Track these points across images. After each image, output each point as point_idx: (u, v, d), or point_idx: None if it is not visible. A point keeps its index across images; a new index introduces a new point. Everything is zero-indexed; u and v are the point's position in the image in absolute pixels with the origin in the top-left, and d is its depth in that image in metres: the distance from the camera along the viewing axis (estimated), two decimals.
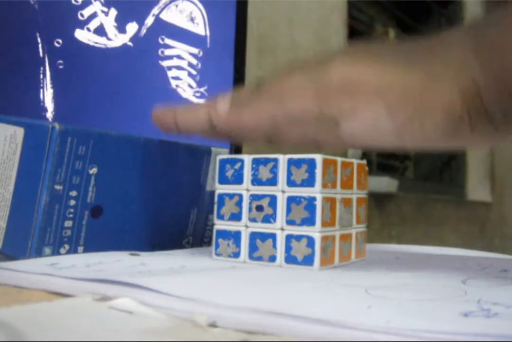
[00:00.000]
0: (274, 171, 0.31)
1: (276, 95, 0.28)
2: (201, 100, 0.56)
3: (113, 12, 0.48)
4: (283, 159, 0.31)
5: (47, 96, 0.44)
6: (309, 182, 0.30)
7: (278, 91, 0.28)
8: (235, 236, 0.32)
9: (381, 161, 1.90)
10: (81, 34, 0.46)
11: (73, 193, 0.32)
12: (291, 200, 0.31)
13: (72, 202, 0.32)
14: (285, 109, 0.28)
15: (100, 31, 0.47)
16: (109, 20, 0.48)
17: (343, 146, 0.33)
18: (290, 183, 0.31)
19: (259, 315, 0.19)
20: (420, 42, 0.29)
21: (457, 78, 0.26)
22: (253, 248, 0.32)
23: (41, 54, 0.44)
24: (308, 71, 0.28)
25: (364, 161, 0.35)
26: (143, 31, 0.51)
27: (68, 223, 0.32)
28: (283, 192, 0.31)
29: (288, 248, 0.31)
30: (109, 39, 0.48)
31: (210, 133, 0.31)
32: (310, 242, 0.30)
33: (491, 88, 0.26)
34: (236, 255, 0.32)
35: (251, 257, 0.32)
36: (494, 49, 0.26)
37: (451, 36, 0.28)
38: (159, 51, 0.52)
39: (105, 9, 0.48)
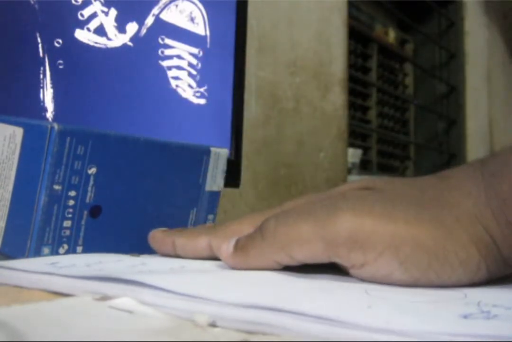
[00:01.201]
0: None
1: (281, 243, 0.27)
2: (201, 100, 0.56)
3: (113, 12, 0.48)
4: None
5: (47, 96, 0.44)
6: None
7: (283, 238, 0.27)
8: None
9: (381, 161, 1.90)
10: (81, 34, 0.46)
11: (72, 193, 0.32)
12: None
13: (71, 202, 0.32)
14: (291, 257, 0.28)
15: (100, 31, 0.47)
16: (109, 20, 0.48)
17: None
18: None
19: (259, 314, 0.19)
20: (430, 188, 0.28)
21: (471, 230, 0.26)
22: None
23: (41, 54, 0.43)
24: (314, 221, 0.27)
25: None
26: (143, 31, 0.51)
27: (67, 223, 0.32)
28: None
29: None
30: (109, 39, 0.48)
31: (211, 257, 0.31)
32: None
33: (507, 236, 0.26)
34: None
35: None
36: (506, 199, 0.26)
37: (461, 182, 0.28)
38: (159, 51, 0.52)
39: (105, 9, 0.48)
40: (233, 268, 0.29)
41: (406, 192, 0.28)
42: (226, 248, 0.29)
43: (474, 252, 0.26)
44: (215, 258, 0.30)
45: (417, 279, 0.26)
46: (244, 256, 0.28)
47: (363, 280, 0.27)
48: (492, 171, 0.27)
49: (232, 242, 0.29)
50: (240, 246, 0.29)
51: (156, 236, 0.33)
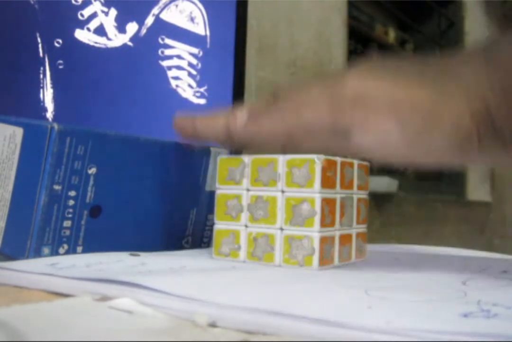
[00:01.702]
0: (274, 171, 0.31)
1: (292, 107, 0.29)
2: (201, 100, 0.56)
3: (113, 12, 0.48)
4: (283, 159, 0.31)
5: (47, 96, 0.44)
6: (309, 182, 0.30)
7: (294, 103, 0.29)
8: (235, 236, 0.32)
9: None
10: (81, 34, 0.46)
11: (72, 193, 0.32)
12: (290, 200, 0.31)
13: (71, 202, 0.32)
14: (301, 120, 0.29)
15: (100, 31, 0.47)
16: (109, 20, 0.48)
17: (355, 157, 0.34)
18: (290, 183, 0.31)
19: (259, 315, 0.19)
20: (434, 60, 0.30)
21: (468, 96, 0.27)
22: (252, 248, 0.32)
23: (41, 54, 0.43)
24: (324, 85, 0.29)
25: (366, 163, 0.35)
26: (143, 31, 0.51)
27: (67, 223, 0.32)
28: (282, 192, 0.31)
29: (287, 248, 0.31)
30: (109, 39, 0.48)
31: (227, 142, 0.33)
32: (310, 242, 0.30)
33: (501, 107, 0.27)
34: (236, 255, 0.32)
35: (250, 257, 0.32)
36: (506, 69, 0.27)
37: (463, 55, 0.30)
38: (159, 51, 0.52)
39: (105, 9, 0.48)
40: (245, 136, 0.30)
41: (411, 64, 0.30)
42: (240, 114, 0.31)
43: (468, 117, 0.27)
44: (233, 143, 0.32)
45: (412, 140, 0.27)
46: (256, 122, 0.30)
47: (362, 150, 0.28)
48: (492, 47, 0.29)
49: (246, 109, 0.31)
50: (253, 112, 0.30)
51: (178, 119, 0.34)
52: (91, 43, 0.47)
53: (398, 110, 0.27)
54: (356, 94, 0.28)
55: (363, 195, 0.35)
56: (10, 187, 0.31)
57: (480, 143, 0.27)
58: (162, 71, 0.53)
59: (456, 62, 0.29)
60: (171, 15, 0.53)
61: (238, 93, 0.59)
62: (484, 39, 0.30)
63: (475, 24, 2.22)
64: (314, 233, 0.30)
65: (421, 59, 0.30)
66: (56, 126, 0.31)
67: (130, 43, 0.50)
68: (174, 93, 0.53)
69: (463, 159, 0.29)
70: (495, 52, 0.28)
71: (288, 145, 0.31)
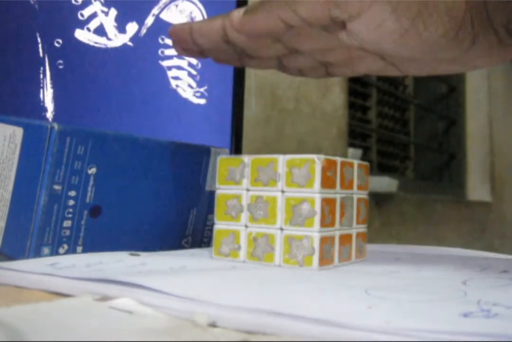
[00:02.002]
0: (274, 171, 0.31)
1: (287, 1, 0.29)
2: (201, 100, 0.56)
3: (113, 12, 0.48)
4: (283, 159, 0.31)
5: (47, 96, 0.44)
6: (308, 182, 0.30)
7: None
8: (235, 236, 0.32)
9: (381, 161, 1.90)
10: (81, 34, 0.46)
11: (72, 193, 0.32)
12: (290, 200, 0.31)
13: (71, 202, 0.32)
14: (296, 12, 0.29)
15: (100, 31, 0.47)
16: (109, 20, 0.48)
17: (349, 70, 0.33)
18: (290, 183, 0.31)
19: (259, 315, 0.19)
20: None
21: None
22: (252, 248, 0.32)
23: (41, 54, 0.43)
24: None
25: (366, 163, 0.35)
26: (143, 31, 0.51)
27: (67, 223, 0.32)
28: (282, 192, 0.31)
29: (287, 248, 0.31)
30: (109, 39, 0.48)
31: (224, 47, 0.32)
32: (310, 242, 0.30)
33: None
34: (236, 255, 0.32)
35: (250, 257, 0.32)
36: None
37: None
38: (159, 51, 0.52)
39: (105, 9, 0.48)
40: (240, 30, 0.30)
41: None
42: (237, 12, 0.30)
43: (462, 3, 0.27)
44: (229, 49, 0.31)
45: (406, 28, 0.27)
46: (251, 16, 0.30)
47: (357, 39, 0.28)
48: None
49: (243, 8, 0.30)
50: (250, 9, 0.30)
51: (175, 26, 0.34)
52: (91, 43, 0.47)
53: None
54: None
55: (363, 195, 0.35)
56: (10, 187, 0.32)
57: (473, 33, 0.27)
58: (162, 71, 0.53)
59: None
60: (171, 15, 0.53)
61: (238, 93, 0.59)
62: None
63: None
64: (314, 233, 0.30)
65: None
66: (56, 126, 0.31)
67: (130, 43, 0.50)
68: (174, 93, 0.53)
69: (457, 53, 0.28)
70: None
71: (284, 58, 0.31)
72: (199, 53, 0.34)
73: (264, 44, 0.32)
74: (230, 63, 0.37)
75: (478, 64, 0.30)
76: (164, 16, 0.53)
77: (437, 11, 0.27)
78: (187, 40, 0.33)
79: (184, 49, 0.34)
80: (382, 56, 0.32)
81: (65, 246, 0.32)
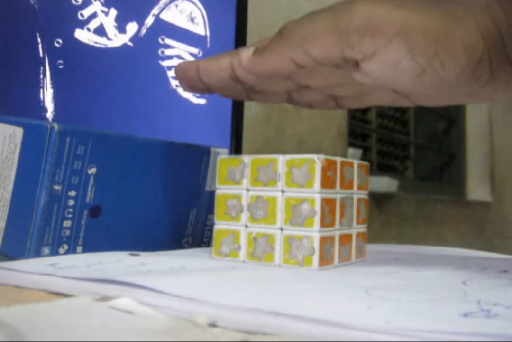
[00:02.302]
0: (274, 171, 0.31)
1: (298, 41, 0.28)
2: (201, 100, 0.56)
3: (113, 12, 0.48)
4: (283, 159, 0.31)
5: (47, 96, 0.44)
6: (308, 182, 0.30)
7: (299, 35, 0.28)
8: (235, 236, 0.32)
9: (381, 161, 1.90)
10: (81, 34, 0.46)
11: (72, 193, 0.32)
12: (290, 200, 0.31)
13: (71, 202, 0.32)
14: (307, 53, 0.28)
15: (100, 31, 0.47)
16: (109, 20, 0.48)
17: (359, 102, 0.33)
18: (290, 183, 0.31)
19: (259, 315, 0.19)
20: None
21: (478, 19, 0.26)
22: (252, 248, 0.32)
23: (41, 54, 0.43)
24: (329, 13, 0.28)
25: (366, 163, 0.35)
26: (143, 31, 0.51)
27: (67, 223, 0.32)
28: (282, 192, 0.31)
29: (287, 248, 0.31)
30: (109, 39, 0.48)
31: (231, 85, 0.31)
32: (310, 242, 0.30)
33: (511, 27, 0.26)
34: (236, 255, 0.32)
35: (250, 257, 0.32)
36: None
37: None
38: (159, 51, 0.52)
39: (105, 9, 0.48)
40: (250, 71, 0.29)
41: None
42: (246, 52, 0.29)
43: (479, 39, 0.26)
44: (237, 86, 0.30)
45: (423, 68, 0.26)
46: (261, 56, 0.29)
47: (371, 79, 0.27)
48: None
49: (252, 47, 0.29)
50: (259, 49, 0.29)
51: (181, 64, 0.33)
52: (91, 43, 0.47)
53: (409, 36, 0.26)
54: (365, 22, 0.26)
55: (363, 195, 0.35)
56: (10, 187, 0.32)
57: (491, 70, 0.27)
58: (162, 71, 0.53)
59: None
60: (171, 15, 0.53)
61: None
62: None
63: None
64: (314, 233, 0.30)
65: None
66: (56, 126, 0.31)
67: (130, 43, 0.50)
68: (174, 93, 0.53)
69: (474, 89, 0.28)
70: None
71: (293, 92, 0.30)
72: (206, 90, 0.33)
73: (273, 82, 0.32)
74: (237, 98, 0.36)
75: (495, 97, 0.30)
76: (164, 16, 0.53)
77: (454, 50, 0.26)
78: (193, 79, 0.32)
79: (190, 86, 0.33)
80: (397, 91, 0.31)
81: (65, 246, 0.32)
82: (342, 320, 0.18)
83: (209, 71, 0.31)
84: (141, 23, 0.51)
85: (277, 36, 0.29)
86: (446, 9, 0.27)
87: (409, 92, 0.31)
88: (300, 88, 0.33)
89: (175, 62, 0.54)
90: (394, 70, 0.27)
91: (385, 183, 1.63)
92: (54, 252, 0.31)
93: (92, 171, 0.32)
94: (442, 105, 0.32)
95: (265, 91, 0.33)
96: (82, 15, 0.46)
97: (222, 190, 0.33)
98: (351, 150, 1.52)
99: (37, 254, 0.30)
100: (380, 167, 1.88)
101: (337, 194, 0.32)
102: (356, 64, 0.28)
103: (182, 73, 0.33)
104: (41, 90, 0.43)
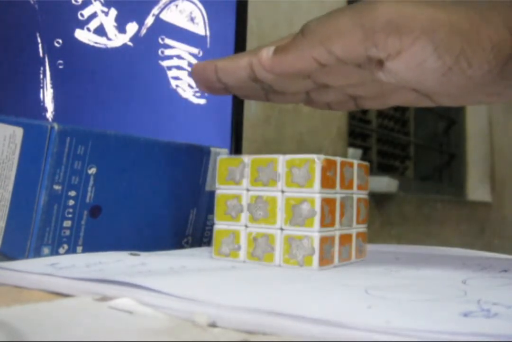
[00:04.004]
0: (274, 171, 0.31)
1: (321, 39, 0.27)
2: (201, 100, 0.56)
3: (113, 12, 0.48)
4: (283, 159, 0.31)
5: (47, 96, 0.44)
6: (308, 182, 0.30)
7: (322, 33, 0.27)
8: (235, 236, 0.32)
9: (381, 161, 1.90)
10: (81, 34, 0.46)
11: (72, 193, 0.32)
12: (290, 200, 0.31)
13: (71, 202, 0.32)
14: (331, 51, 0.27)
15: (100, 31, 0.47)
16: (109, 20, 0.48)
17: (379, 103, 0.32)
18: (290, 183, 0.31)
19: (259, 315, 0.19)
20: None
21: (506, 15, 0.26)
22: (252, 248, 0.32)
23: (41, 54, 0.43)
24: (353, 12, 0.27)
25: (366, 163, 0.35)
26: (143, 31, 0.51)
27: (67, 223, 0.32)
28: (282, 192, 0.31)
29: (287, 248, 0.31)
30: (109, 39, 0.48)
31: (250, 85, 0.31)
32: (310, 242, 0.30)
33: None
34: (236, 255, 0.32)
35: (250, 257, 0.32)
36: None
37: None
38: (159, 51, 0.52)
39: (105, 9, 0.48)
40: (271, 70, 0.28)
41: None
42: (266, 52, 0.29)
43: (507, 36, 0.26)
44: (255, 86, 0.29)
45: (449, 67, 0.26)
46: (283, 55, 0.28)
47: (395, 78, 0.27)
48: None
49: (273, 46, 0.29)
50: (281, 48, 0.28)
51: (198, 64, 0.32)
52: (91, 43, 0.47)
53: (435, 34, 0.25)
54: (389, 19, 0.26)
55: (363, 194, 0.35)
56: (10, 187, 0.32)
57: None
58: (162, 71, 0.53)
59: None
60: (171, 15, 0.53)
61: None
62: None
63: None
64: (314, 233, 0.30)
65: None
66: (56, 126, 0.31)
67: (130, 43, 0.50)
68: (174, 93, 0.53)
69: (501, 88, 0.27)
70: None
71: (313, 92, 0.29)
72: (224, 90, 0.33)
73: (293, 81, 0.31)
74: (256, 99, 0.35)
75: None
76: (164, 16, 0.53)
77: (482, 48, 0.25)
78: (211, 79, 0.31)
79: (207, 87, 0.32)
80: (418, 90, 0.31)
81: (65, 246, 0.32)
82: (342, 320, 0.18)
83: (227, 70, 0.31)
84: (141, 23, 0.51)
85: (298, 35, 0.28)
86: (473, 5, 0.26)
87: (432, 92, 0.31)
88: (320, 87, 0.32)
89: (175, 62, 0.54)
90: (419, 69, 0.26)
91: (385, 183, 1.63)
92: (54, 252, 0.31)
93: (92, 171, 0.32)
94: (464, 104, 0.32)
95: (284, 91, 0.33)
96: (82, 15, 0.46)
97: (222, 190, 0.33)
98: (351, 150, 1.52)
99: (37, 254, 0.30)
100: (380, 167, 1.88)
101: (337, 194, 0.32)
102: (380, 63, 0.27)
103: (199, 73, 0.32)
104: (41, 90, 0.43)
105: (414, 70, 0.26)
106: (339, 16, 0.27)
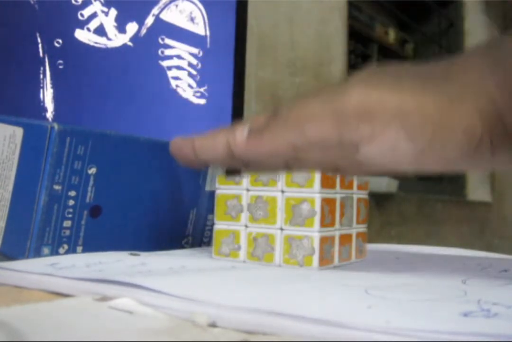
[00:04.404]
0: None
1: (294, 122, 0.28)
2: (201, 100, 0.56)
3: (113, 12, 0.48)
4: None
5: (47, 96, 0.44)
6: (308, 182, 0.30)
7: (296, 118, 0.28)
8: (235, 236, 0.32)
9: None
10: (81, 34, 0.46)
11: (72, 193, 0.32)
12: (290, 200, 0.31)
13: (71, 202, 0.32)
14: (304, 135, 0.28)
15: (100, 31, 0.47)
16: (109, 20, 0.48)
17: (361, 173, 0.33)
18: (290, 183, 0.31)
19: (259, 315, 0.19)
20: (437, 65, 0.29)
21: (476, 100, 0.26)
22: (252, 248, 0.32)
23: (41, 54, 0.43)
24: (325, 97, 0.27)
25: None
26: (143, 31, 0.51)
27: (67, 223, 0.32)
28: (282, 192, 0.31)
29: (287, 248, 0.31)
30: (109, 39, 0.48)
31: (228, 162, 0.31)
32: (310, 242, 0.30)
33: (510, 107, 0.26)
34: (236, 255, 0.32)
35: (250, 257, 0.32)
36: (511, 70, 0.26)
37: (467, 58, 0.29)
38: (159, 51, 0.52)
39: (105, 9, 0.48)
40: (247, 154, 0.29)
41: (414, 68, 0.29)
42: (240, 132, 0.29)
43: (478, 120, 0.26)
44: (234, 163, 0.30)
45: (422, 150, 0.26)
46: (258, 139, 0.28)
47: (371, 163, 0.27)
48: (495, 47, 0.28)
49: (247, 127, 0.29)
50: (255, 130, 0.29)
51: (176, 141, 0.33)
52: (91, 43, 0.47)
53: (406, 120, 0.26)
54: (361, 106, 0.26)
55: (363, 195, 0.35)
56: (10, 187, 0.31)
57: (492, 148, 0.26)
58: (162, 71, 0.53)
59: (459, 66, 0.28)
60: (171, 15, 0.53)
61: (238, 93, 0.59)
62: (486, 40, 0.30)
63: (475, 24, 2.22)
64: (314, 233, 0.30)
65: (423, 65, 0.29)
66: (56, 126, 0.31)
67: (130, 43, 0.50)
68: (174, 93, 0.53)
69: (476, 165, 0.28)
70: (500, 52, 0.27)
71: (292, 162, 0.30)
72: (203, 165, 0.34)
73: (271, 158, 0.32)
74: (236, 173, 0.36)
75: (500, 167, 0.30)
76: (164, 16, 0.53)
77: (453, 132, 0.26)
78: (190, 157, 0.32)
79: (187, 162, 0.33)
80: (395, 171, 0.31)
81: (65, 246, 0.32)
82: (342, 320, 0.18)
83: (205, 149, 0.31)
84: (141, 23, 0.51)
85: (272, 118, 0.29)
86: (442, 90, 0.27)
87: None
88: (298, 159, 0.33)
89: (175, 62, 0.54)
90: (393, 153, 0.27)
91: (385, 183, 1.63)
92: (54, 252, 0.31)
93: (92, 171, 0.32)
94: (443, 172, 0.32)
95: (263, 166, 0.34)
96: (82, 15, 0.46)
97: (222, 190, 0.33)
98: None
99: (37, 254, 0.30)
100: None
101: (337, 193, 0.32)
102: (355, 147, 0.28)
103: (177, 151, 0.33)
104: (41, 90, 0.43)
105: (388, 154, 0.27)
106: (311, 101, 0.28)
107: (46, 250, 0.31)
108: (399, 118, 0.26)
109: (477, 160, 0.27)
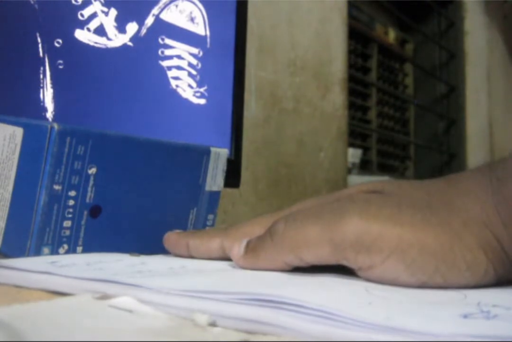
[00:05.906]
0: None
1: (290, 245, 0.28)
2: (201, 100, 0.56)
3: (113, 12, 0.48)
4: None
5: (47, 96, 0.44)
6: None
7: (292, 241, 0.28)
8: None
9: (381, 161, 1.90)
10: (81, 34, 0.46)
11: (72, 193, 0.32)
12: None
13: (71, 202, 0.32)
14: (300, 259, 0.28)
15: (100, 31, 0.47)
16: (109, 20, 0.48)
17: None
18: None
19: (259, 315, 0.19)
20: (438, 192, 0.28)
21: (478, 234, 0.26)
22: None
23: (41, 54, 0.43)
24: (322, 224, 0.27)
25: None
26: (143, 31, 0.51)
27: (67, 223, 0.32)
28: None
29: None
30: (109, 39, 0.48)
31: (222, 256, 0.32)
32: None
33: None
34: None
35: None
36: None
37: (467, 182, 0.28)
38: (159, 51, 0.52)
39: (105, 9, 0.48)
40: (243, 267, 0.29)
41: (414, 195, 0.28)
42: (237, 249, 0.30)
43: (482, 255, 0.26)
44: (227, 259, 0.31)
45: (424, 282, 0.26)
46: (254, 258, 0.29)
47: (371, 281, 0.27)
48: (500, 176, 0.27)
49: (243, 244, 0.30)
50: (251, 248, 0.29)
51: (171, 238, 0.34)
52: (91, 43, 0.47)
53: (406, 254, 0.25)
54: (358, 238, 0.26)
55: None
56: (10, 187, 0.31)
57: (497, 277, 0.26)
58: (162, 71, 0.53)
59: (460, 193, 0.28)
60: (171, 15, 0.53)
61: (238, 93, 0.59)
62: (486, 163, 0.29)
63: (475, 24, 2.22)
64: None
65: (424, 188, 0.29)
66: (56, 126, 0.31)
67: (130, 43, 0.50)
68: (174, 93, 0.53)
69: (479, 287, 0.27)
70: (500, 186, 0.27)
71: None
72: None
73: None
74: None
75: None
76: (164, 16, 0.53)
77: (457, 267, 0.25)
78: (183, 254, 0.33)
79: (179, 256, 0.34)
80: None
81: (65, 246, 0.32)
82: (342, 313, 0.18)
83: (199, 250, 0.32)
84: (141, 23, 0.51)
85: (267, 237, 0.29)
86: (444, 223, 0.26)
87: None
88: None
89: (175, 62, 0.54)
90: (392, 281, 0.26)
91: None
92: (54, 252, 0.31)
93: (92, 170, 0.32)
94: None
95: None
96: (82, 15, 0.46)
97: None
98: (351, 150, 1.52)
99: (37, 254, 0.30)
100: (380, 167, 1.88)
101: None
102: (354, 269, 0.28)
103: (171, 246, 0.34)
104: (41, 90, 0.43)
105: (388, 282, 0.26)
106: (308, 227, 0.27)
107: (46, 250, 0.31)
108: (398, 252, 0.26)
109: (480, 284, 0.27)
